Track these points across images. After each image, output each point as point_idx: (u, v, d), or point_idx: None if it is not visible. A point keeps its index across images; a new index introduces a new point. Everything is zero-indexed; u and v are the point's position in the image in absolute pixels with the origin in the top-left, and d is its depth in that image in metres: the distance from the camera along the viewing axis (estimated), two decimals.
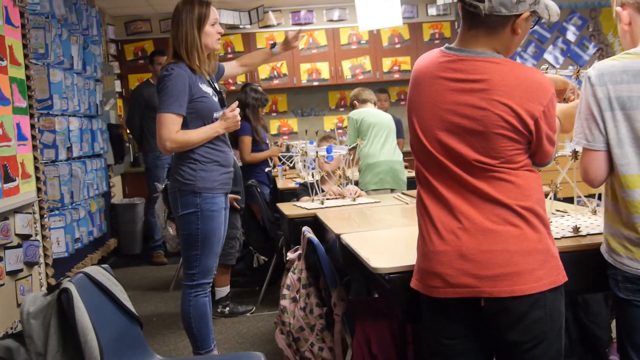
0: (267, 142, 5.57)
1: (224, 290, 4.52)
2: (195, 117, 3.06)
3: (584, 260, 2.13)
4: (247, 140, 5.26)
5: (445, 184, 1.82)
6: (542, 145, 1.79)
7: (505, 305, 1.75)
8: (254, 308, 4.61)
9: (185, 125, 3.06)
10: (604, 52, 8.21)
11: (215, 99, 3.17)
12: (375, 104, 5.36)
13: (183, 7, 3.10)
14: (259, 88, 5.49)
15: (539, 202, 1.79)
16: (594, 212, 2.58)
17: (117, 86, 7.51)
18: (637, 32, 1.97)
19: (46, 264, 4.38)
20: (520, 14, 1.77)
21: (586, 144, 1.95)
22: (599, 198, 2.62)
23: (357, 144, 4.47)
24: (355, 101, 5.30)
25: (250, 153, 5.31)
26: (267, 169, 5.39)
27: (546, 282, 1.75)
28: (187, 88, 3.02)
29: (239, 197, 4.36)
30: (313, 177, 3.96)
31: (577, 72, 2.16)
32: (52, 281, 4.37)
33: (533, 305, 1.74)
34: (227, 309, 4.53)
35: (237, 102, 3.24)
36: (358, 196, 3.88)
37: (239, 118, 3.16)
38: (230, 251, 4.38)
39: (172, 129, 2.99)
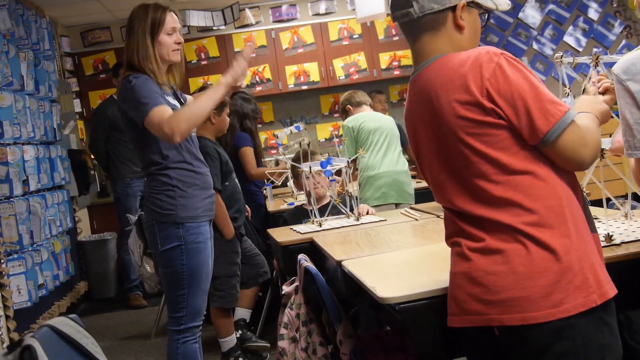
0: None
1: (230, 341, 4.39)
2: None
3: (621, 273, 2.13)
4: (250, 152, 5.26)
5: (451, 210, 1.91)
6: (521, 115, 1.73)
7: (521, 335, 1.74)
8: (268, 355, 4.57)
9: (156, 144, 3.07)
10: (632, 29, 8.27)
11: None
12: (370, 106, 5.37)
13: (137, 13, 3.14)
14: (251, 97, 5.54)
15: (553, 210, 1.75)
16: (627, 216, 2.59)
17: (77, 106, 7.53)
18: None
19: (7, 317, 4.38)
20: (455, 5, 1.86)
21: None
22: (635, 198, 2.64)
23: (357, 155, 4.46)
24: (348, 106, 5.31)
25: (257, 167, 5.32)
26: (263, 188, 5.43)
27: (570, 307, 1.70)
28: (159, 91, 3.03)
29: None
30: (309, 195, 3.95)
31: (596, 59, 2.18)
32: (15, 336, 4.36)
33: (556, 335, 1.71)
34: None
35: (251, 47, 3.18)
36: (366, 214, 3.88)
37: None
38: (231, 292, 4.32)
39: (164, 114, 2.91)
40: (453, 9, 1.87)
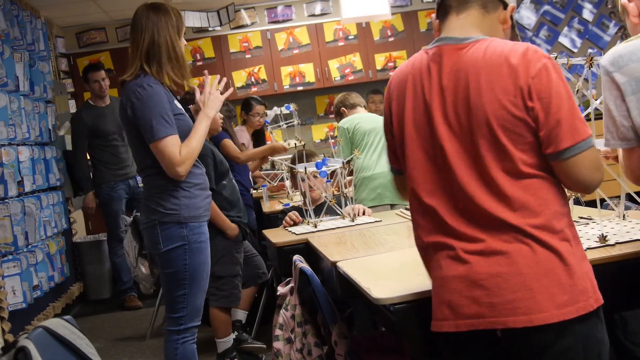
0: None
1: (227, 342, 4.37)
2: None
3: (615, 273, 2.15)
4: (229, 142, 5.23)
5: (444, 205, 1.83)
6: (551, 122, 1.71)
7: (525, 336, 1.74)
8: (264, 356, 4.56)
9: None
10: (627, 30, 8.26)
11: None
12: (365, 107, 5.38)
13: (158, 13, 3.10)
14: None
15: (556, 216, 1.76)
16: (622, 217, 2.59)
17: (72, 106, 7.51)
18: None
19: (1, 318, 4.37)
20: (507, 4, 1.88)
21: (626, 144, 1.90)
22: (629, 199, 2.64)
23: (353, 156, 4.46)
24: (342, 108, 5.31)
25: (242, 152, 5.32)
26: (251, 190, 5.42)
27: (573, 309, 1.71)
28: (169, 104, 3.06)
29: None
30: (305, 195, 3.95)
31: (590, 60, 2.18)
32: (10, 337, 4.36)
33: (559, 333, 1.72)
34: None
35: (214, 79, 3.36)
36: (362, 214, 3.88)
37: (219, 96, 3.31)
38: (234, 291, 4.32)
39: (176, 152, 3.00)
40: (505, 6, 1.89)
